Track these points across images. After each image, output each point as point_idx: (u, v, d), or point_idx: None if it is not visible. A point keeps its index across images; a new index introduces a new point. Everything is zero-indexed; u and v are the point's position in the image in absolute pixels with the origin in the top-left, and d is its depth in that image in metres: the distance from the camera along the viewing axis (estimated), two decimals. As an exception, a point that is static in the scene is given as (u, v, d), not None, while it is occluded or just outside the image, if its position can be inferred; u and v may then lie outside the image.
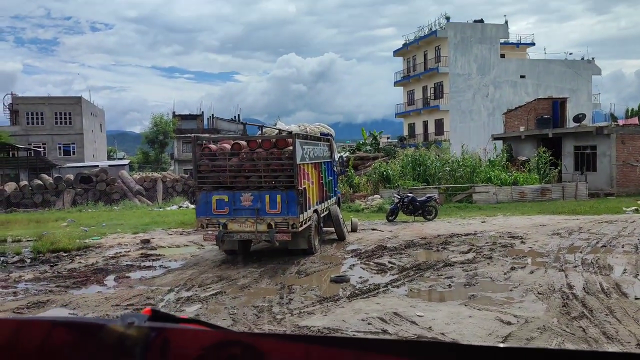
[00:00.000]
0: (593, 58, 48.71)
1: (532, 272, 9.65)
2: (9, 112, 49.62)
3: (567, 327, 6.60)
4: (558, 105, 33.52)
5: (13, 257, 12.82)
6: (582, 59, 48.67)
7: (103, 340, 0.68)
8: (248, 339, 0.68)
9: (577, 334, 6.35)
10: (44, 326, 0.70)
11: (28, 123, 48.94)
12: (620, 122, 32.42)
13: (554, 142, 28.52)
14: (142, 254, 12.93)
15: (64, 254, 13.00)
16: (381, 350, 0.65)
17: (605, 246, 12.04)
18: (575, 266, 10.01)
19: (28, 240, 15.36)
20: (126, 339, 0.68)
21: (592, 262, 10.26)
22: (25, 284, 10.05)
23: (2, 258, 12.70)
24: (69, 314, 7.88)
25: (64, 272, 10.95)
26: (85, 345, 0.69)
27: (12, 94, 50.57)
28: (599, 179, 26.14)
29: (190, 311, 7.85)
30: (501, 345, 0.61)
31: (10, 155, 37.86)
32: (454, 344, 0.64)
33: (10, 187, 28.24)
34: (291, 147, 10.82)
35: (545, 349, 0.62)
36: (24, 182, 29.23)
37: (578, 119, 30.47)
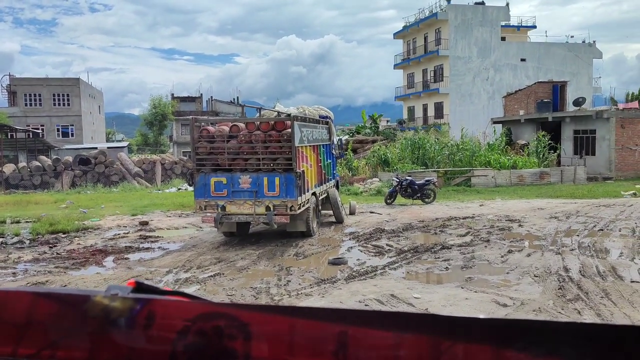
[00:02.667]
0: (594, 41, 48.44)
1: (529, 255, 9.70)
2: (6, 93, 49.36)
3: (562, 309, 6.65)
4: (558, 89, 33.39)
5: (12, 238, 12.84)
6: (583, 42, 48.38)
7: (88, 311, 0.69)
8: (232, 310, 0.68)
9: (572, 316, 6.41)
10: (29, 297, 0.71)
11: (26, 104, 48.71)
12: (620, 106, 32.31)
13: (553, 126, 28.46)
14: (140, 235, 12.97)
15: (63, 235, 13.03)
16: (364, 322, 0.65)
17: (602, 230, 12.09)
18: (572, 249, 10.06)
19: (27, 222, 15.39)
20: (111, 311, 0.68)
21: (588, 246, 10.31)
22: (25, 265, 10.09)
23: (1, 239, 12.73)
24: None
25: (62, 253, 10.99)
26: (69, 316, 0.69)
27: (9, 75, 50.27)
28: (598, 163, 26.14)
29: (188, 292, 7.90)
30: (481, 316, 0.62)
31: (9, 137, 37.74)
32: (438, 316, 0.64)
33: (8, 168, 28.21)
34: (290, 130, 10.79)
35: (524, 320, 0.62)
36: (22, 164, 29.19)
37: (578, 102, 30.37)
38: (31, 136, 38.58)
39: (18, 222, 15.63)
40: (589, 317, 6.32)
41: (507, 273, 8.53)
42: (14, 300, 0.70)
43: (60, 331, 0.69)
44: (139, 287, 0.74)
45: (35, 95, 48.89)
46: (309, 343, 0.65)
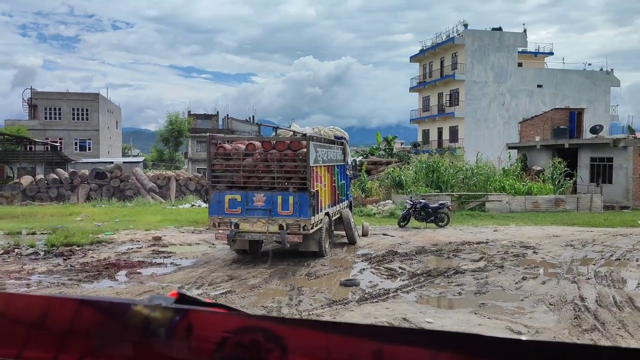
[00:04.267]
0: (612, 69, 48.27)
1: (543, 283, 9.57)
2: (27, 106, 50.30)
3: (578, 339, 6.53)
4: (575, 116, 33.20)
5: (27, 249, 12.98)
6: (601, 69, 48.22)
7: (129, 321, 0.70)
8: (270, 324, 0.69)
9: (588, 346, 6.28)
10: (73, 305, 0.72)
11: (46, 118, 49.57)
12: (638, 134, 32.01)
13: (569, 153, 28.24)
14: (153, 250, 13.02)
15: (77, 248, 13.13)
16: (399, 340, 0.66)
17: (619, 259, 11.90)
18: (588, 278, 9.90)
19: (42, 233, 15.54)
20: (151, 321, 0.69)
21: (605, 275, 10.14)
22: (39, 276, 10.17)
23: (16, 250, 12.86)
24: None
25: (76, 266, 11.07)
26: (111, 325, 0.71)
27: (31, 89, 51.28)
28: (615, 192, 25.82)
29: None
30: (524, 337, 0.62)
31: (28, 149, 38.36)
32: (475, 335, 0.64)
33: (26, 180, 28.61)
34: (305, 149, 10.85)
35: (566, 343, 0.62)
36: (40, 176, 29.59)
37: (595, 130, 30.16)
38: (49, 149, 39.17)
39: (34, 233, 15.79)
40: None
41: (522, 300, 8.41)
42: (58, 307, 0.72)
43: (102, 339, 0.70)
44: (181, 297, 0.75)
45: (55, 109, 49.75)
46: (344, 359, 0.66)
